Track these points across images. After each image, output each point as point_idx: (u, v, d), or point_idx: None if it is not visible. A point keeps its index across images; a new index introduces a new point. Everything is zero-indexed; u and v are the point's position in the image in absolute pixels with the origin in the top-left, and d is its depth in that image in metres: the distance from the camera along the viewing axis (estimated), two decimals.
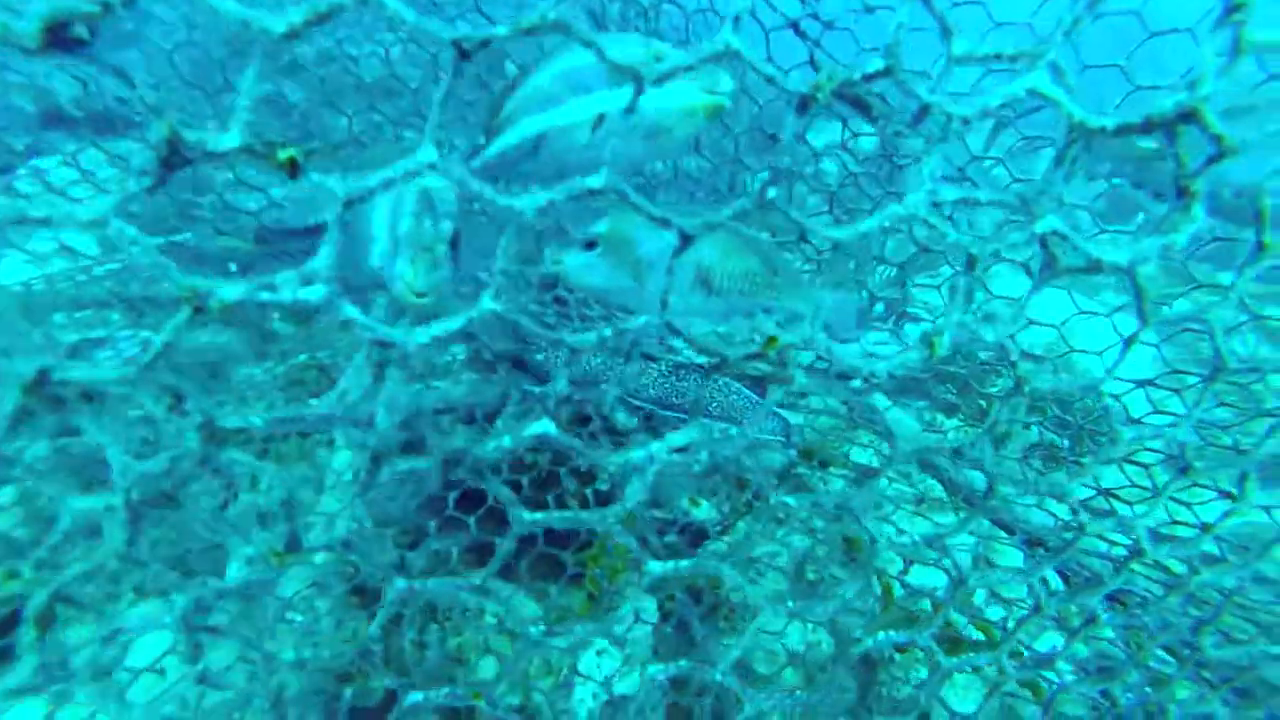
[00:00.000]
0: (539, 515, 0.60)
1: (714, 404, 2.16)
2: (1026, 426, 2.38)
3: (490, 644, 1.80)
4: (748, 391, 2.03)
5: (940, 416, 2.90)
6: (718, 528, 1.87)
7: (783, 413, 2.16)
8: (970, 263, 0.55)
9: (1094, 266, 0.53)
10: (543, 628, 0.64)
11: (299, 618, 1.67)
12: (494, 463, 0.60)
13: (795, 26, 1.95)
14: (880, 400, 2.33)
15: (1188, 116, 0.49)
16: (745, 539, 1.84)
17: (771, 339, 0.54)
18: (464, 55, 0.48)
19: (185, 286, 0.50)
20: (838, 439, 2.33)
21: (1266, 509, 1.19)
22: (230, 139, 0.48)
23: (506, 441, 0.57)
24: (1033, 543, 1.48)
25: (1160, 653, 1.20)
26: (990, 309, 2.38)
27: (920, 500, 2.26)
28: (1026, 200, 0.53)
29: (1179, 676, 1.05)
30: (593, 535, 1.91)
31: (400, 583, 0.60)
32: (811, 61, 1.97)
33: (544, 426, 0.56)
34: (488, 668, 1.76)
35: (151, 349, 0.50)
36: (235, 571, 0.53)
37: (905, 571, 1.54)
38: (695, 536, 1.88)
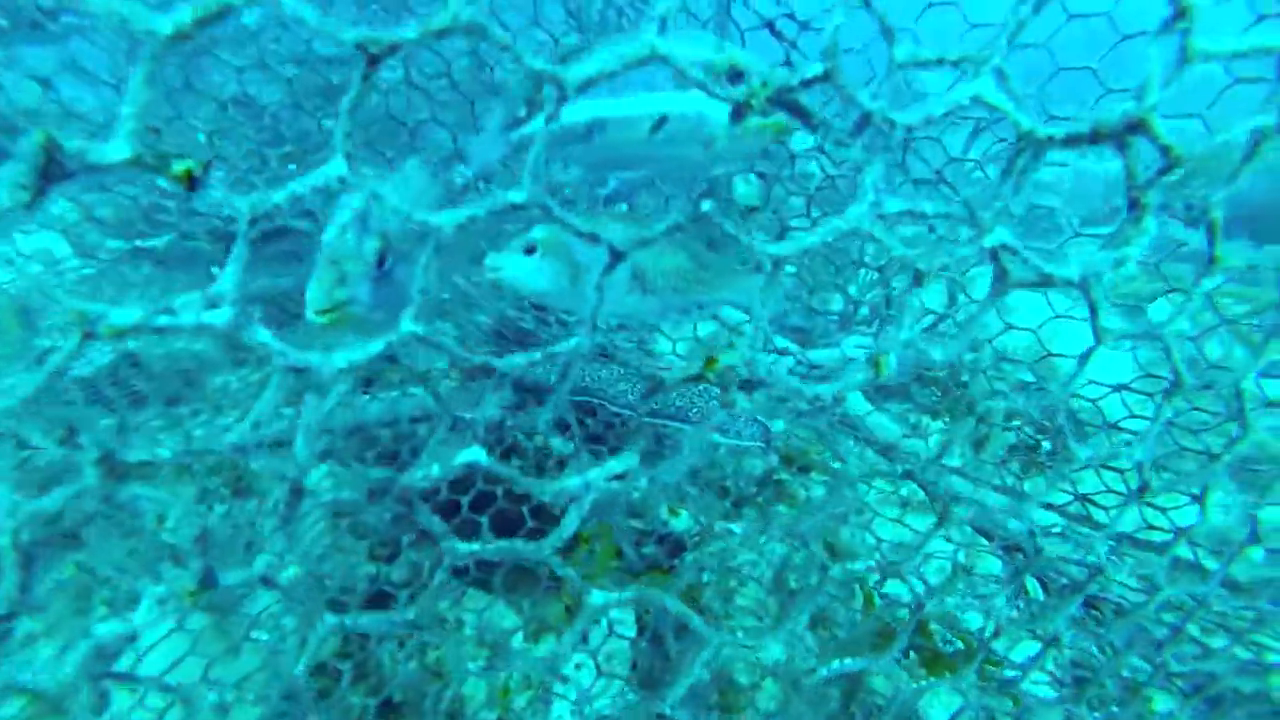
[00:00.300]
0: (474, 546, 0.57)
1: (694, 409, 2.14)
2: (1006, 429, 2.37)
3: (470, 655, 1.77)
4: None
5: (925, 419, 2.89)
6: (695, 538, 1.84)
7: (763, 418, 2.14)
8: (917, 278, 0.53)
9: (1045, 281, 0.51)
10: (483, 663, 0.61)
11: (265, 636, 1.62)
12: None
13: (771, 26, 1.93)
14: (861, 404, 2.31)
15: (1135, 127, 0.47)
16: (725, 549, 1.82)
17: (711, 360, 0.51)
18: (372, 61, 0.44)
19: (73, 311, 0.46)
20: (819, 444, 2.31)
21: (1232, 511, 1.18)
22: (117, 150, 0.45)
23: (435, 470, 0.54)
24: (1011, 549, 1.47)
25: (1136, 660, 1.19)
26: (971, 312, 2.37)
27: (905, 504, 2.25)
28: (975, 213, 0.51)
29: (1152, 685, 1.04)
30: (574, 543, 1.87)
31: (330, 619, 0.57)
32: (788, 62, 1.96)
33: (473, 454, 0.53)
34: (467, 682, 1.72)
35: (37, 377, 0.46)
36: (145, 614, 0.50)
37: (881, 584, 1.52)
38: (674, 547, 1.85)
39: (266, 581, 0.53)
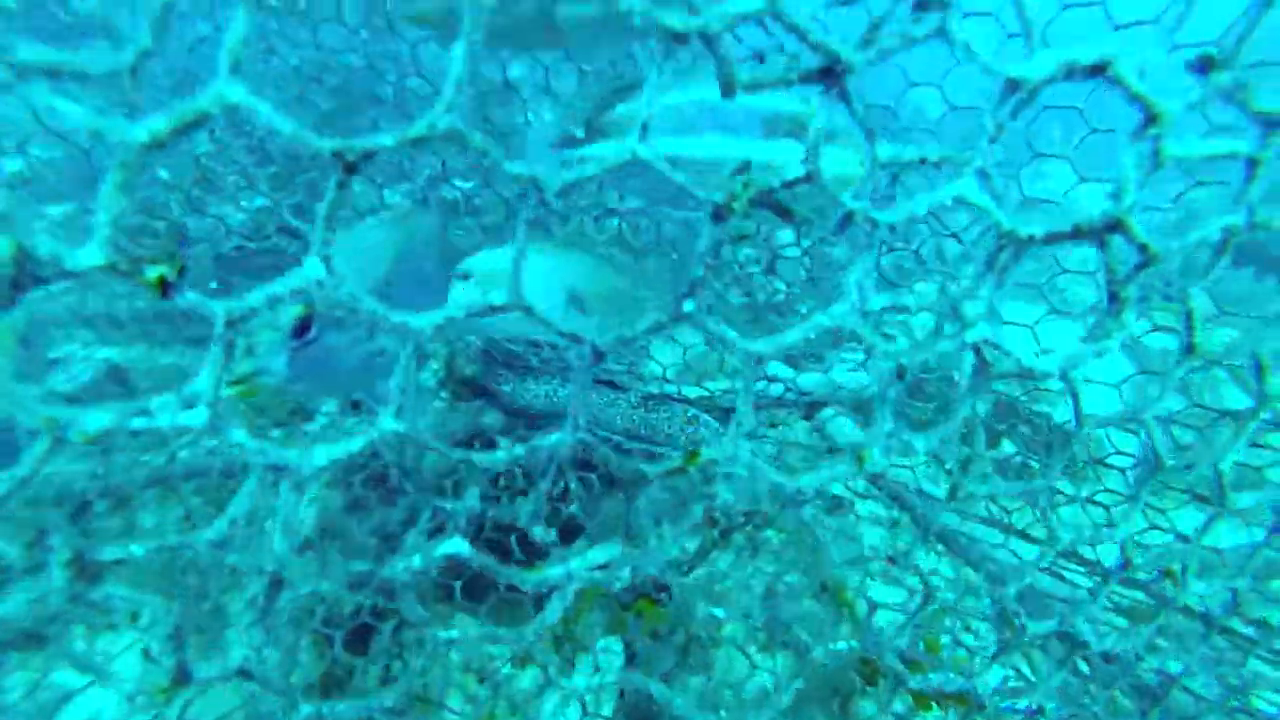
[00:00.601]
0: (454, 633, 0.56)
1: (682, 436, 2.13)
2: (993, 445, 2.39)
3: (456, 681, 1.76)
4: (716, 424, 2.00)
5: (915, 438, 2.89)
6: (684, 567, 1.84)
7: (753, 444, 2.12)
8: (900, 373, 0.53)
9: (1026, 374, 0.52)
10: None
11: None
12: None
13: (760, 58, 1.94)
14: (847, 426, 2.32)
15: (1114, 226, 0.47)
16: (710, 577, 1.81)
17: (693, 454, 0.51)
18: (349, 168, 0.44)
19: (43, 416, 0.45)
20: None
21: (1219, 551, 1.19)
22: (90, 256, 0.44)
23: (417, 562, 0.53)
24: (997, 582, 1.47)
25: (1125, 704, 1.19)
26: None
27: (894, 524, 2.25)
28: (957, 307, 0.51)
29: None
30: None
31: (306, 708, 0.56)
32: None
33: (456, 545, 0.52)
34: (453, 703, 1.71)
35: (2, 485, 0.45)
36: (116, 711, 0.49)
37: (870, 615, 1.52)
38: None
39: (244, 674, 0.52)
